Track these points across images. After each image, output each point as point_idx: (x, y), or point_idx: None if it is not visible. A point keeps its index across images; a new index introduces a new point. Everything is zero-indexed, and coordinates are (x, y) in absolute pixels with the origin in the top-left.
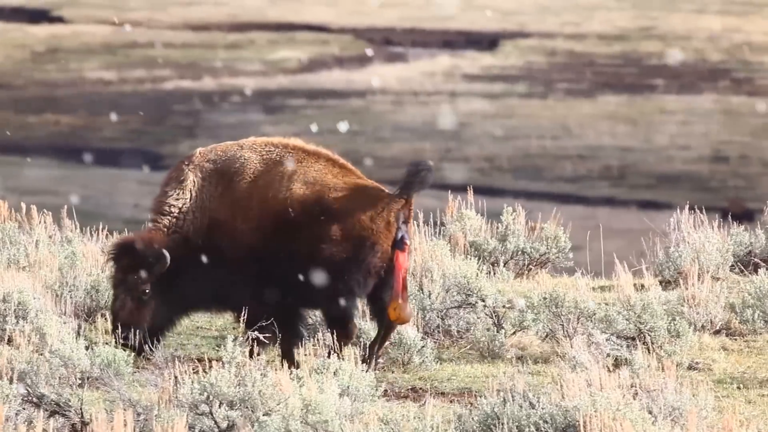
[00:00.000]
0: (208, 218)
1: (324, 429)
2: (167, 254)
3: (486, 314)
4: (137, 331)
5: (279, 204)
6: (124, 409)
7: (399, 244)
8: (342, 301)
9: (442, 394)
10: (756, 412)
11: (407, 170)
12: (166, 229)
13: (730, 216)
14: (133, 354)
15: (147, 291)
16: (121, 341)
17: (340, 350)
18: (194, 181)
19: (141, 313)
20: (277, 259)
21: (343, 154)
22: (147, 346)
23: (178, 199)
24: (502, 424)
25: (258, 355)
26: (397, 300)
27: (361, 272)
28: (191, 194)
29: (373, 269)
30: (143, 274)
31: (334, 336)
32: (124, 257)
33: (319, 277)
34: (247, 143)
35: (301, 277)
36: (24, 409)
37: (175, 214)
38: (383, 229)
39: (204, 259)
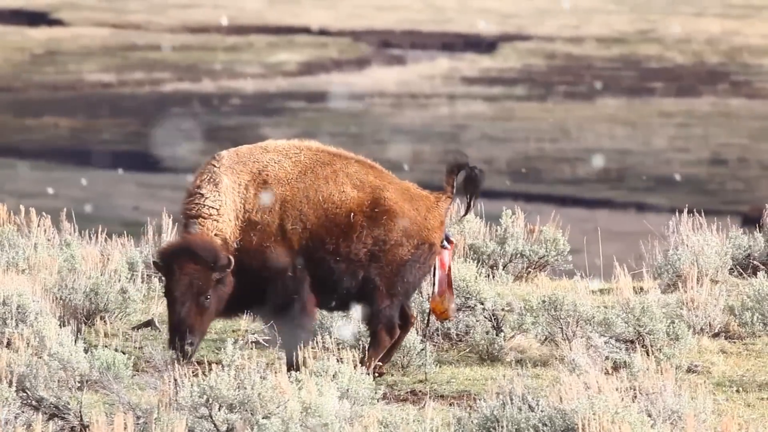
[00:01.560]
0: (244, 220)
1: None
2: (230, 256)
3: (485, 317)
4: (201, 337)
5: (333, 206)
6: (124, 413)
7: (445, 242)
8: (396, 302)
9: (442, 396)
10: (755, 415)
11: (466, 174)
12: (209, 232)
13: (748, 221)
14: (182, 359)
15: (209, 296)
16: (188, 349)
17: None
18: (228, 184)
19: (204, 319)
20: (329, 261)
21: None
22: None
23: (215, 201)
24: (502, 426)
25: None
26: (443, 295)
27: (421, 272)
28: (227, 196)
29: (429, 269)
30: (213, 276)
31: (383, 335)
32: (189, 262)
33: (377, 279)
34: (271, 146)
35: (358, 278)
36: (23, 412)
37: (215, 217)
38: (438, 228)
39: (244, 261)
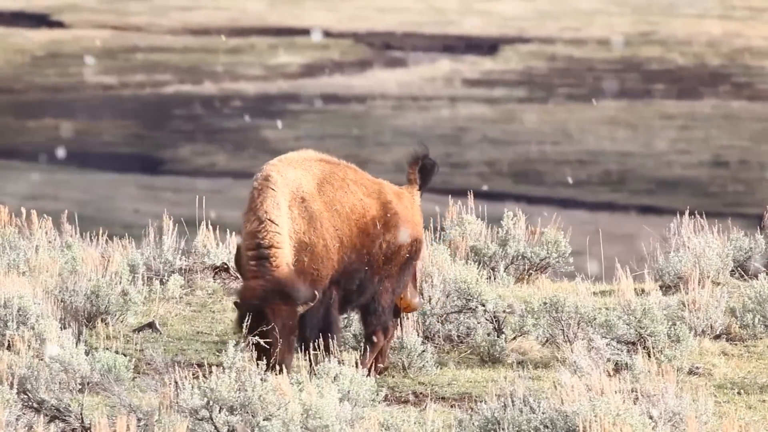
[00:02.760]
0: (297, 242)
1: None
2: (316, 293)
3: (486, 319)
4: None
5: (359, 216)
6: (126, 415)
7: None
8: (393, 301)
9: (443, 398)
10: (756, 417)
11: (424, 165)
12: (283, 263)
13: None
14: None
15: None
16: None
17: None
18: (285, 207)
19: (291, 351)
20: (360, 272)
21: (343, 159)
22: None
23: (283, 227)
24: (503, 428)
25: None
26: (407, 289)
27: (413, 269)
28: (287, 221)
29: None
30: (299, 312)
31: (380, 335)
32: (282, 306)
33: (386, 281)
34: (288, 160)
35: (375, 283)
36: (24, 414)
37: (285, 245)
38: (421, 223)
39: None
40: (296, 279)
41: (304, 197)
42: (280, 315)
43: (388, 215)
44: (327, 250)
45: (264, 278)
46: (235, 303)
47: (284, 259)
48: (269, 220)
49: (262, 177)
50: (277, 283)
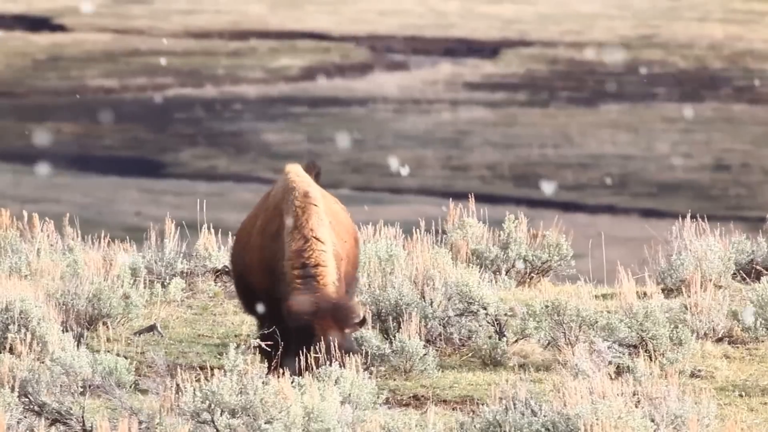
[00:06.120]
0: (335, 255)
1: None
2: (363, 313)
3: (488, 322)
4: None
5: (350, 229)
6: (127, 418)
7: None
8: None
9: (444, 401)
10: (758, 420)
11: (316, 172)
12: (331, 281)
13: None
14: None
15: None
16: None
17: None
18: (327, 222)
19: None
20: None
21: (344, 162)
22: None
23: (329, 245)
24: (504, 431)
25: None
26: None
27: None
28: (330, 235)
29: None
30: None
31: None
32: (331, 327)
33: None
34: (303, 174)
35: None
36: (25, 417)
37: (331, 262)
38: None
39: None
40: (350, 305)
41: (326, 212)
42: (328, 332)
43: (352, 226)
44: (346, 263)
45: (315, 294)
46: (286, 315)
47: (330, 277)
48: (315, 238)
49: (300, 194)
50: (330, 302)
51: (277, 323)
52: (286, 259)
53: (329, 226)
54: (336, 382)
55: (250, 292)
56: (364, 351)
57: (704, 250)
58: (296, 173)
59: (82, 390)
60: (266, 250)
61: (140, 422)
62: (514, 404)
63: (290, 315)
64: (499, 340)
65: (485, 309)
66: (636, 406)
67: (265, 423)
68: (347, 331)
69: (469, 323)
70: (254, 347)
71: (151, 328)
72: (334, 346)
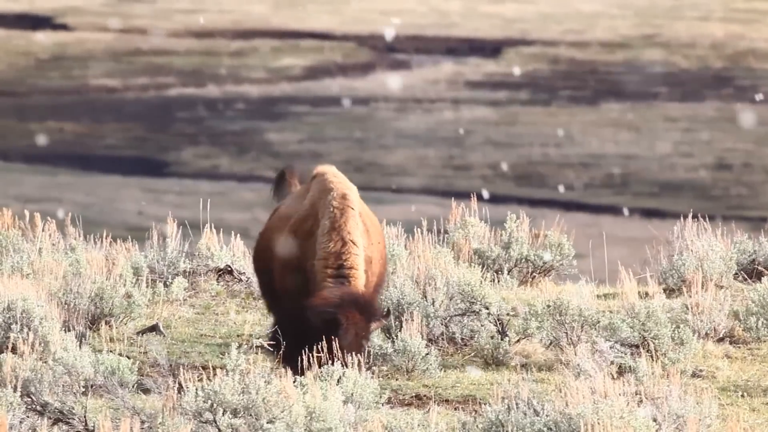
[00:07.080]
0: (366, 258)
1: None
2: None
3: (490, 322)
4: None
5: (379, 231)
6: (129, 417)
7: None
8: None
9: (447, 401)
10: (760, 420)
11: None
12: (363, 282)
13: None
14: None
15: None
16: None
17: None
18: (362, 225)
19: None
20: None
21: (346, 162)
22: None
23: (363, 248)
24: (507, 431)
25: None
26: None
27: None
28: (364, 238)
29: None
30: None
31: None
32: (357, 315)
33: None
34: (338, 175)
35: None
36: (28, 417)
37: (364, 264)
38: None
39: None
40: (371, 298)
41: (359, 214)
42: (354, 324)
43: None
44: (379, 265)
45: (341, 288)
46: (309, 309)
47: (360, 280)
48: (352, 241)
49: (339, 195)
50: (355, 295)
51: (297, 322)
52: (318, 258)
53: (363, 229)
54: (338, 381)
55: (273, 290)
56: (366, 350)
57: (706, 250)
58: (333, 174)
59: (84, 390)
60: (297, 249)
61: (142, 422)
62: (517, 404)
63: (317, 307)
64: (501, 339)
65: (487, 309)
66: (638, 406)
67: (267, 422)
68: (373, 325)
69: (471, 323)
70: (266, 348)
71: (154, 328)
72: (360, 339)
